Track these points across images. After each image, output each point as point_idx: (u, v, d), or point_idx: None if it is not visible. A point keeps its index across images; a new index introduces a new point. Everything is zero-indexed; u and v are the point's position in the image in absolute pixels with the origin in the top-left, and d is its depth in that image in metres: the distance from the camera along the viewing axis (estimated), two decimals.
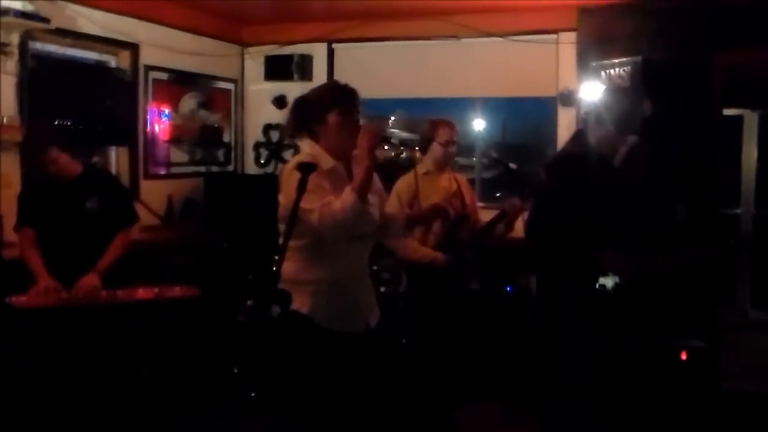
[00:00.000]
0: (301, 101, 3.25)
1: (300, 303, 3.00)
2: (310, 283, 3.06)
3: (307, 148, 3.18)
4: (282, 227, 3.11)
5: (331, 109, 3.14)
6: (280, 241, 3.06)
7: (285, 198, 3.04)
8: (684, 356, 4.59)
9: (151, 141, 6.41)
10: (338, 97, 3.20)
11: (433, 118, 4.93)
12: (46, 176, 4.19)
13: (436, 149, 4.78)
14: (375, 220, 3.14)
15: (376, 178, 3.20)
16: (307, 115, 3.18)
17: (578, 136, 3.90)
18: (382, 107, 8.23)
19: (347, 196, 2.91)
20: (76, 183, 4.27)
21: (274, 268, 2.70)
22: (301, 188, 2.78)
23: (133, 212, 4.54)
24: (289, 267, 3.01)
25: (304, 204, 2.84)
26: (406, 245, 4.64)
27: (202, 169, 7.04)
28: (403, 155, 5.03)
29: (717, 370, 4.88)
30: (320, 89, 3.30)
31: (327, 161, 3.12)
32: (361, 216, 2.94)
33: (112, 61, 6.09)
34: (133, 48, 6.10)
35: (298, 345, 3.07)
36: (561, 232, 3.58)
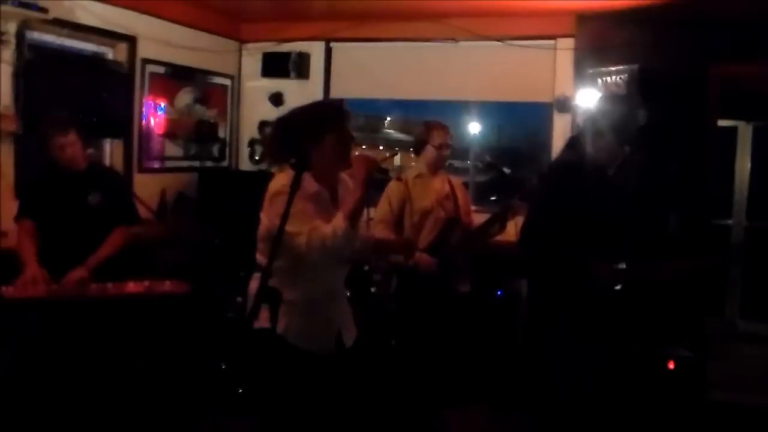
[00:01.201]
0: (289, 122, 3.15)
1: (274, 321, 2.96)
2: (285, 303, 2.93)
3: (285, 174, 3.05)
4: (261, 246, 3.12)
5: (329, 126, 3.08)
6: (260, 259, 3.10)
7: (268, 219, 3.01)
8: (671, 365, 4.61)
9: (146, 135, 6.39)
10: (335, 115, 3.15)
11: (428, 120, 4.95)
12: (57, 162, 4.21)
13: (429, 152, 4.79)
14: (359, 244, 3.14)
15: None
16: (297, 136, 3.06)
17: (573, 144, 3.91)
18: (378, 108, 8.25)
19: (339, 222, 2.89)
20: (81, 176, 4.29)
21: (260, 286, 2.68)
22: (295, 186, 2.75)
23: (135, 213, 4.56)
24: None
25: (290, 227, 2.79)
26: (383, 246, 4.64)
27: (197, 164, 7.03)
28: (397, 156, 5.03)
29: (704, 380, 4.90)
30: (312, 108, 3.21)
31: (312, 185, 3.08)
32: (351, 243, 2.93)
33: (109, 54, 6.07)
34: (131, 41, 6.08)
35: (270, 363, 3.05)
36: (554, 240, 3.59)
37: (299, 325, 3.06)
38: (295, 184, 2.75)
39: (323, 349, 3.15)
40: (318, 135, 3.06)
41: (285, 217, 2.71)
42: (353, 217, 2.91)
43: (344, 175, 3.25)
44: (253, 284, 3.15)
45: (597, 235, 3.55)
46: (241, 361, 4.54)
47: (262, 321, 2.78)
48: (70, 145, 4.19)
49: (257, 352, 3.04)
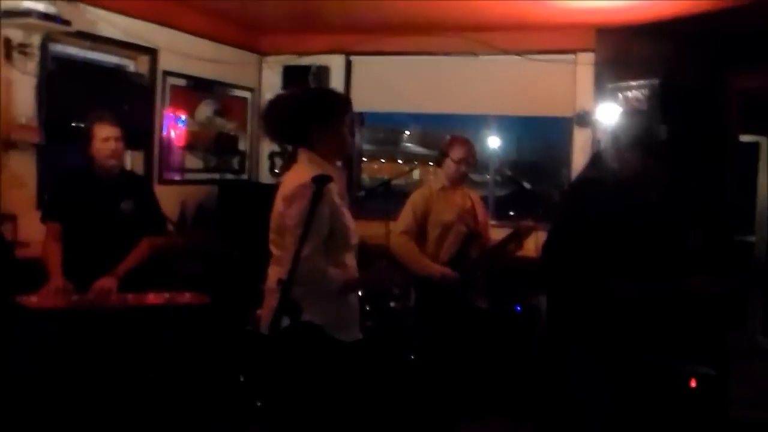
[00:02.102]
0: (299, 102, 3.20)
1: (312, 314, 2.99)
2: (320, 294, 3.05)
3: (306, 159, 3.15)
4: (274, 237, 3.19)
5: (340, 113, 3.18)
6: (273, 250, 3.19)
7: (288, 218, 3.04)
8: (693, 383, 4.56)
9: (166, 146, 6.43)
10: (344, 103, 3.27)
11: (453, 134, 4.94)
12: (97, 158, 4.22)
13: (449, 165, 4.78)
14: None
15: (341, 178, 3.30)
16: (303, 120, 3.14)
17: (596, 161, 3.88)
18: (398, 121, 8.28)
19: (335, 278, 3.07)
20: (114, 182, 4.31)
21: (286, 278, 2.68)
22: (316, 200, 2.77)
23: (164, 222, 4.58)
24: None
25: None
26: (418, 261, 4.64)
27: (216, 176, 7.05)
28: (416, 170, 5.04)
29: (726, 398, 4.84)
30: (321, 92, 3.36)
31: (329, 170, 3.10)
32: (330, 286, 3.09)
33: (130, 66, 6.12)
34: (152, 53, 6.13)
35: (314, 357, 3.07)
36: (574, 255, 3.57)
37: (334, 318, 3.11)
38: (318, 195, 2.78)
39: (352, 336, 3.20)
40: (327, 119, 3.14)
41: (314, 206, 2.74)
42: (345, 290, 3.13)
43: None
44: (271, 274, 3.23)
45: (619, 252, 3.53)
46: (261, 372, 4.55)
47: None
48: (116, 139, 4.23)
49: (300, 346, 3.04)
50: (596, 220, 3.54)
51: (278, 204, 3.13)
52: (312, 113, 3.14)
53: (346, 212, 3.19)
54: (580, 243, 3.54)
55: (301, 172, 3.06)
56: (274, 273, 3.17)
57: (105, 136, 4.20)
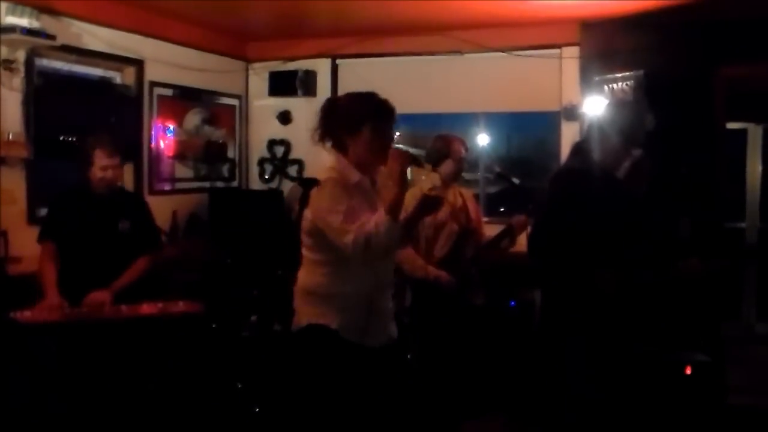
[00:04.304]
0: (334, 107, 3.17)
1: (328, 318, 2.99)
2: (338, 297, 3.02)
3: (333, 160, 3.12)
4: (306, 240, 3.12)
5: (368, 120, 3.07)
6: (305, 253, 3.12)
7: (313, 211, 3.02)
8: (689, 371, 4.58)
9: (155, 157, 6.43)
10: (377, 110, 3.11)
11: (444, 134, 4.94)
12: (93, 183, 4.23)
13: (449, 165, 4.79)
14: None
15: (368, 188, 3.19)
16: (338, 122, 3.10)
17: (578, 150, 3.90)
18: None
19: (380, 217, 2.86)
20: (110, 201, 4.31)
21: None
22: (302, 203, 2.78)
23: (159, 239, 4.58)
24: (313, 280, 3.05)
25: (336, 223, 2.85)
26: (412, 261, 4.64)
27: (207, 184, 7.06)
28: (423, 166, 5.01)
29: (722, 384, 4.86)
30: (357, 98, 3.16)
31: (354, 175, 3.08)
32: (393, 236, 2.89)
33: (117, 78, 6.11)
34: (138, 64, 6.13)
35: (327, 360, 3.04)
36: (561, 247, 3.58)
37: (354, 321, 3.04)
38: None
39: (374, 342, 3.12)
40: (357, 124, 3.06)
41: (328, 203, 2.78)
42: (393, 211, 2.88)
43: (382, 170, 3.21)
44: (300, 276, 3.17)
45: (605, 241, 3.54)
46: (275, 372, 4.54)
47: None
48: (113, 168, 4.23)
49: (312, 348, 3.03)
50: (580, 210, 3.56)
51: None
52: (340, 120, 3.10)
53: (371, 215, 3.05)
54: (566, 234, 3.55)
55: (323, 172, 3.07)
56: (301, 273, 3.17)
57: (104, 165, 4.20)
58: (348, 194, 2.97)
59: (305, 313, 3.09)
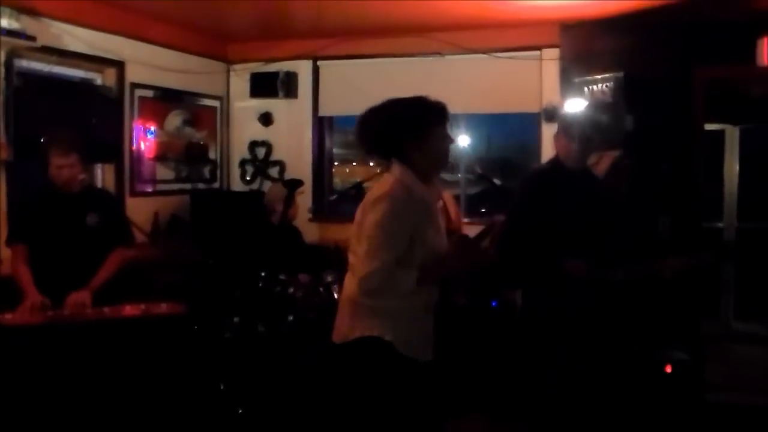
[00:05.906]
0: (388, 115, 3.06)
1: (382, 329, 2.94)
2: (393, 310, 2.95)
3: (397, 171, 2.99)
4: (354, 246, 3.03)
5: (433, 124, 3.00)
6: (351, 259, 3.04)
7: (368, 227, 2.93)
8: (668, 369, 4.63)
9: (136, 158, 6.42)
10: (438, 112, 3.06)
11: None
12: (54, 182, 4.20)
13: None
14: None
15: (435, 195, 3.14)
16: (401, 130, 3.00)
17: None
18: None
19: (408, 277, 2.88)
20: (77, 198, 4.29)
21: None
22: (287, 205, 2.78)
23: (130, 233, 4.56)
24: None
25: (376, 243, 2.82)
26: None
27: (188, 186, 7.04)
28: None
29: (701, 382, 4.91)
30: (415, 103, 3.08)
31: (419, 187, 2.99)
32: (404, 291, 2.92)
33: (97, 79, 6.09)
34: (119, 65, 6.11)
35: (380, 371, 2.98)
36: (525, 247, 3.63)
37: (406, 335, 2.97)
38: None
39: (423, 356, 3.08)
40: (421, 131, 2.98)
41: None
42: (423, 280, 2.92)
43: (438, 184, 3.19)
44: (346, 283, 3.11)
45: (576, 239, 3.58)
46: (241, 381, 4.54)
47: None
48: (69, 167, 4.19)
49: (367, 360, 2.98)
50: (549, 209, 3.60)
51: (358, 213, 3.02)
52: (403, 127, 3.00)
53: (435, 232, 3.05)
54: (534, 231, 3.59)
55: (386, 182, 2.98)
56: (348, 281, 3.07)
57: (59, 164, 4.17)
58: (413, 210, 2.92)
59: (356, 326, 3.01)
